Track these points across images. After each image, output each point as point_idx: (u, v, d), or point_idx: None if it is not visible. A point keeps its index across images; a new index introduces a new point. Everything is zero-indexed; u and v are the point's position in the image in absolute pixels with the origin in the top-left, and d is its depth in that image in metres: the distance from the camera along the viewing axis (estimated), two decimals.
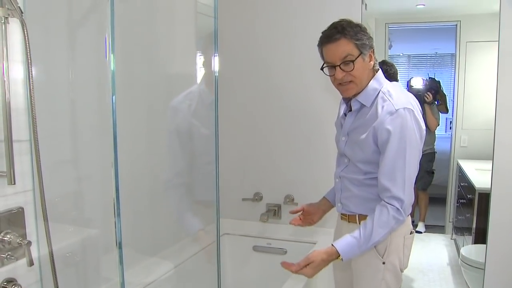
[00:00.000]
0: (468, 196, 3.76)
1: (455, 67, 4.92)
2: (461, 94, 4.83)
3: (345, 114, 1.84)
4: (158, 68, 2.24)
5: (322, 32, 1.70)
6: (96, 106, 1.77)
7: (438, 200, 5.28)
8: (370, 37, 1.66)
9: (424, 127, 1.68)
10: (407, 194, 1.61)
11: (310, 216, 2.09)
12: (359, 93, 1.71)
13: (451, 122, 5.31)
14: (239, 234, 2.89)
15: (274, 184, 2.86)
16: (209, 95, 2.18)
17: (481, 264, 2.63)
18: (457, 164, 4.66)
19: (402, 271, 1.81)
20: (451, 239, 4.77)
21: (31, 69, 1.29)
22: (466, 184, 3.90)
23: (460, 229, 4.24)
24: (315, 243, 2.66)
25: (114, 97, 1.16)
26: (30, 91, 1.31)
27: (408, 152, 1.59)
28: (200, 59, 2.33)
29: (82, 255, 1.82)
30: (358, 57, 1.62)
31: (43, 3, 1.53)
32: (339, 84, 1.70)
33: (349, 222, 1.87)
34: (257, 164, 2.89)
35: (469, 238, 3.58)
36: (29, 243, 1.38)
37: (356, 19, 2.55)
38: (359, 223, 1.75)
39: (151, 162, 2.19)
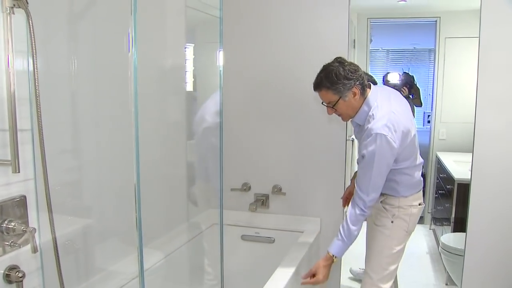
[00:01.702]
0: (447, 187, 3.87)
1: (434, 62, 5.03)
2: (440, 89, 4.94)
3: None
4: (149, 60, 2.27)
5: None
6: (96, 97, 1.81)
7: None
8: (350, 78, 2.00)
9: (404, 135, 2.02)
10: (371, 196, 2.03)
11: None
12: (355, 114, 2.11)
13: (429, 116, 5.43)
14: (228, 224, 2.93)
15: (262, 175, 2.92)
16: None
17: (460, 251, 2.73)
18: (436, 156, 4.79)
19: (409, 233, 2.22)
20: (430, 229, 4.90)
21: (36, 60, 1.32)
22: (445, 175, 4.02)
23: (439, 219, 4.36)
24: (302, 232, 2.74)
25: (136, 89, 1.20)
26: (35, 81, 1.34)
27: (375, 169, 1.99)
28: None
29: (78, 245, 1.85)
30: (338, 101, 2.04)
31: None
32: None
33: None
34: (245, 155, 2.94)
35: (448, 228, 3.70)
36: (34, 230, 1.41)
37: (343, 15, 2.65)
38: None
39: (142, 153, 2.23)
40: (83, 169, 1.83)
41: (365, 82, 2.08)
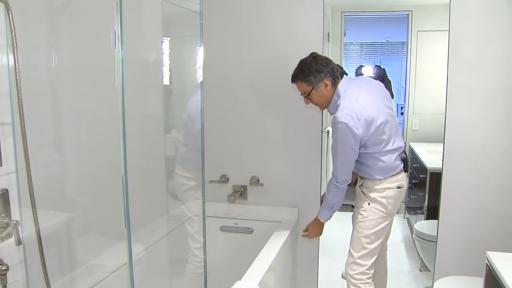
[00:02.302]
0: (420, 176, 3.98)
1: (407, 55, 5.15)
2: (412, 81, 5.06)
3: None
4: (126, 54, 2.28)
5: None
6: (77, 91, 1.81)
7: None
8: (321, 70, 2.26)
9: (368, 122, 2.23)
10: (341, 174, 2.33)
11: None
12: (329, 105, 2.37)
13: (402, 107, 5.55)
14: (207, 215, 2.95)
15: (240, 166, 2.96)
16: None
17: (433, 238, 2.83)
18: (409, 147, 4.90)
19: (390, 215, 2.42)
20: (404, 218, 5.03)
21: (17, 54, 1.33)
22: (418, 165, 4.13)
23: (412, 208, 4.48)
24: (280, 222, 2.79)
25: (123, 85, 1.23)
26: (16, 75, 1.34)
27: (340, 152, 2.28)
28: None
29: (60, 238, 1.87)
30: (311, 91, 2.31)
31: None
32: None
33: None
34: (223, 147, 2.97)
35: (422, 216, 3.81)
36: (18, 222, 1.43)
37: (317, 10, 2.70)
38: (359, 178, 2.49)
39: (117, 146, 2.24)
40: (64, 163, 1.84)
41: (336, 74, 2.33)
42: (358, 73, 5.03)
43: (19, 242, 1.44)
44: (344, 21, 5.22)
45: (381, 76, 4.96)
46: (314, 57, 2.31)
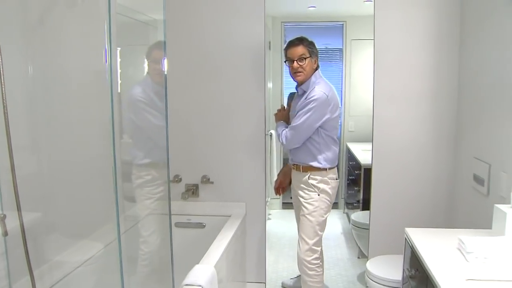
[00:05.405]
0: (356, 172, 4.36)
1: (342, 62, 5.56)
2: (348, 85, 5.48)
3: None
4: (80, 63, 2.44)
5: (288, 41, 2.80)
6: (50, 98, 2.00)
7: None
8: (317, 50, 2.76)
9: (335, 108, 2.71)
10: (294, 136, 2.71)
11: (284, 181, 3.09)
12: (303, 83, 2.73)
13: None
14: (161, 213, 3.16)
15: (192, 166, 3.20)
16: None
17: (366, 225, 3.17)
18: (346, 146, 5.29)
19: (331, 203, 2.82)
20: (344, 213, 5.40)
21: (2, 66, 1.53)
22: (354, 163, 4.51)
23: (350, 204, 4.85)
24: (229, 216, 3.05)
25: (112, 91, 1.44)
26: (1, 86, 1.53)
27: (307, 115, 2.63)
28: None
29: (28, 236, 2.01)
30: (308, 57, 2.70)
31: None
32: (294, 73, 2.74)
33: (296, 170, 2.85)
34: (177, 149, 3.18)
35: (358, 209, 4.17)
36: (4, 216, 1.60)
37: (260, 17, 2.96)
38: (301, 170, 2.79)
39: (82, 149, 2.40)
40: (35, 165, 2.01)
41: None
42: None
43: (5, 233, 1.61)
44: (284, 30, 5.53)
45: None
46: None
